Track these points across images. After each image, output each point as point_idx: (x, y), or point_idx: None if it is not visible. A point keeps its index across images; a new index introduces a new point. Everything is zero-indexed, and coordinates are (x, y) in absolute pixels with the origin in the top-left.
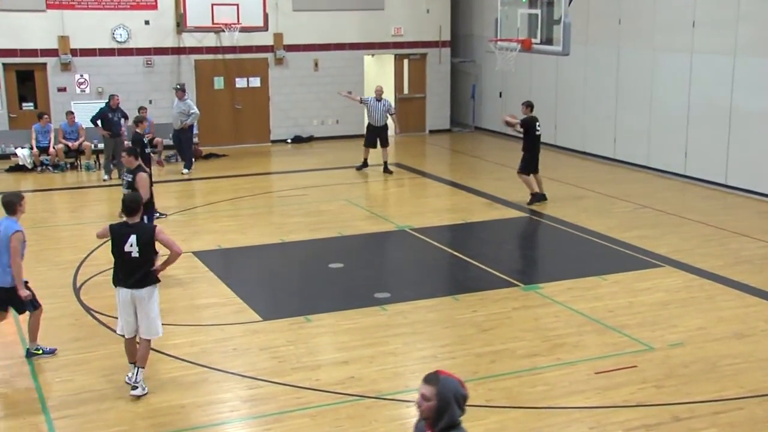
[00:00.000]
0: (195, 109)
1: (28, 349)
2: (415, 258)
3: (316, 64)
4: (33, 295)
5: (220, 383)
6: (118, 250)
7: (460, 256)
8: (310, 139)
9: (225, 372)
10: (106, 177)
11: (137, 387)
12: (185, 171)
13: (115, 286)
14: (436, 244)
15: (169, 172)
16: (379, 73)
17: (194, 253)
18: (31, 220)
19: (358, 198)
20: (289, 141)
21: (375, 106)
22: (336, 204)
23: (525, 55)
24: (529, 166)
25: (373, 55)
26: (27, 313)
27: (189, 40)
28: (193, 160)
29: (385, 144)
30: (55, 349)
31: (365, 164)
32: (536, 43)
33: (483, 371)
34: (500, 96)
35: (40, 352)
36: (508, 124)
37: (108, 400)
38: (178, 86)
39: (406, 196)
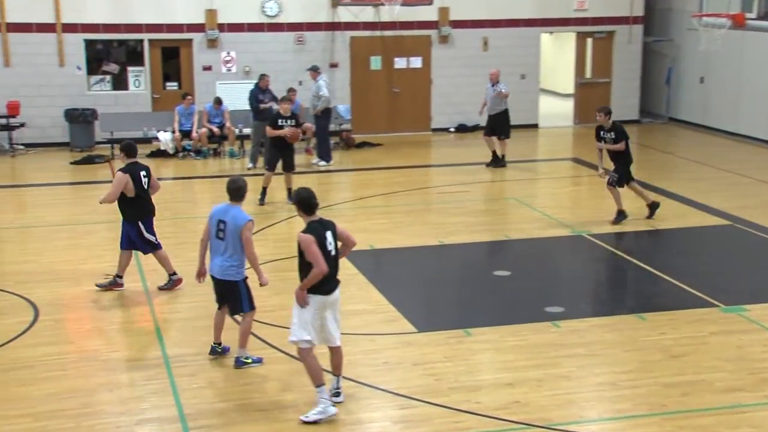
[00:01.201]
0: (324, 91)
1: (237, 357)
2: (594, 268)
3: (486, 43)
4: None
5: (369, 400)
6: (323, 252)
7: (647, 268)
8: (476, 128)
9: (374, 388)
10: (251, 165)
11: (339, 393)
12: (321, 163)
13: (324, 295)
14: (618, 252)
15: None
16: (557, 54)
17: None
18: (170, 210)
19: (529, 197)
20: (451, 130)
21: (488, 92)
22: (502, 203)
23: (735, 33)
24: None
25: (551, 32)
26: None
27: (344, 14)
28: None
29: (500, 134)
30: (261, 359)
31: (495, 159)
32: (751, 18)
33: (672, 405)
34: (701, 82)
35: (249, 361)
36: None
37: (251, 411)
38: (313, 67)
39: (584, 196)
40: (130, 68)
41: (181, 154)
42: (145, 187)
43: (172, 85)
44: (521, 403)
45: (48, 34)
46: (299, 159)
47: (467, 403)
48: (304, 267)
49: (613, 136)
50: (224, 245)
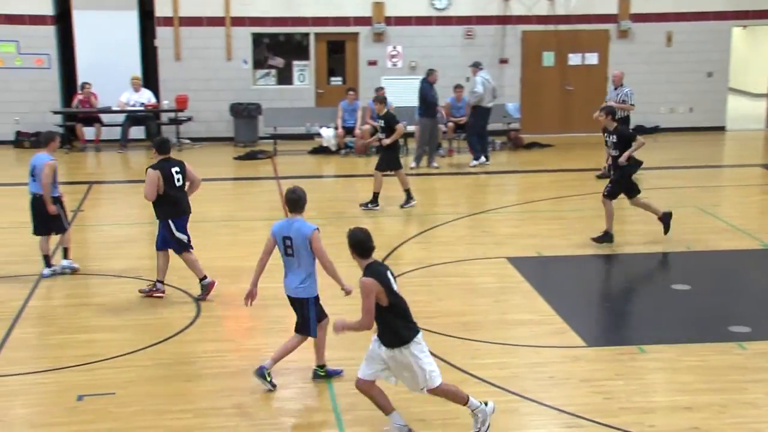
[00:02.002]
0: (478, 88)
1: (315, 369)
2: None
3: (669, 38)
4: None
5: (533, 416)
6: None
7: None
8: (656, 129)
9: (539, 403)
10: (413, 164)
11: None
12: (472, 162)
13: (415, 335)
14: None
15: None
16: (750, 50)
17: (508, 259)
18: (331, 209)
19: (712, 205)
20: None
21: (609, 96)
22: (684, 211)
23: None
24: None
25: (744, 26)
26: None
27: (517, 7)
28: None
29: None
30: (341, 371)
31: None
32: None
33: None
34: None
35: (323, 373)
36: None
37: (411, 422)
38: (475, 63)
39: None
40: (295, 62)
41: (343, 151)
42: (178, 184)
43: (336, 80)
44: (701, 429)
45: (217, 28)
46: (452, 160)
47: (639, 425)
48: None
49: (615, 140)
50: (296, 261)
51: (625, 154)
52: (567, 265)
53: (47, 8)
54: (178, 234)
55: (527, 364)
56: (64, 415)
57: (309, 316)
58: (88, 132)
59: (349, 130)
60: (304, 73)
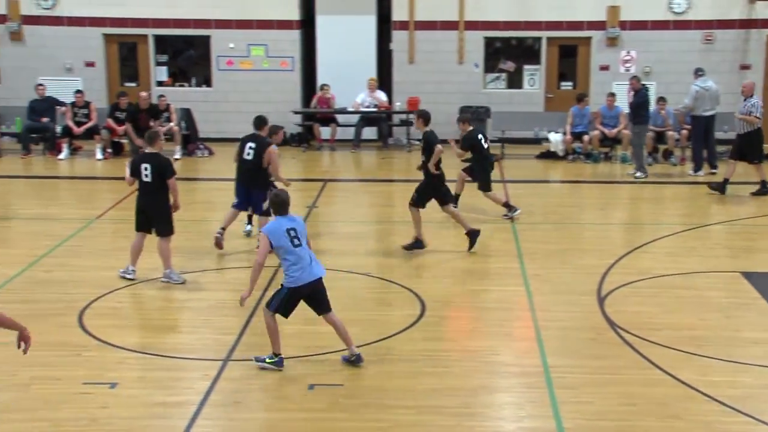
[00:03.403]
0: (686, 100)
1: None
2: None
3: None
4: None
5: None
6: None
7: None
8: None
9: None
10: (640, 174)
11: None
12: (689, 172)
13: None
14: None
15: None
16: None
17: (743, 274)
18: (556, 215)
19: None
20: None
21: (740, 108)
22: None
23: None
24: None
25: None
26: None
27: (764, 11)
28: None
29: (751, 158)
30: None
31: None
32: None
33: None
34: None
35: (354, 358)
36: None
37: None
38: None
39: None
40: (525, 67)
41: (570, 157)
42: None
43: (566, 85)
44: None
45: (450, 32)
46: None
47: None
48: None
49: (423, 145)
50: (306, 249)
51: (430, 163)
52: None
53: (294, 14)
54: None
55: (763, 385)
56: (297, 402)
57: (326, 292)
58: (324, 131)
59: (578, 136)
60: (535, 78)
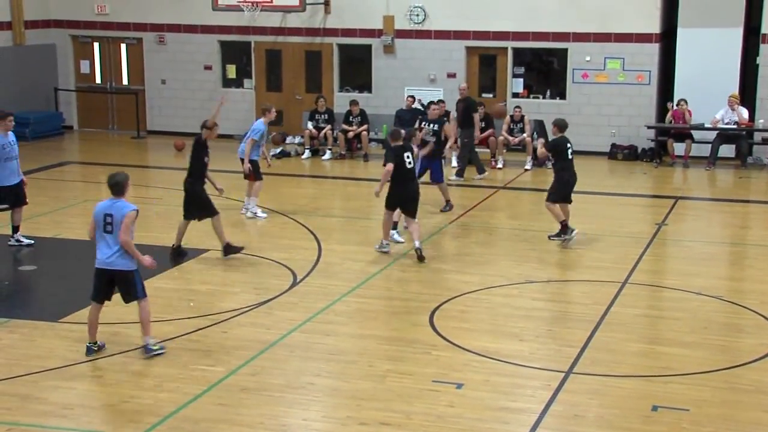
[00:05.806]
0: None
1: (145, 345)
2: None
3: None
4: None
5: None
6: None
7: None
8: None
9: None
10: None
11: None
12: None
13: None
14: None
15: None
16: None
17: None
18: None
19: None
20: None
21: None
22: None
23: None
24: None
25: None
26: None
27: None
28: None
29: None
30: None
31: None
32: None
33: None
34: None
35: (157, 348)
36: None
37: None
38: None
39: None
40: None
41: None
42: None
43: None
44: None
45: None
46: None
47: None
48: None
49: None
50: (113, 237)
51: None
52: None
53: (655, 27)
54: None
55: None
56: (638, 422)
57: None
58: (678, 148)
59: None
60: None
